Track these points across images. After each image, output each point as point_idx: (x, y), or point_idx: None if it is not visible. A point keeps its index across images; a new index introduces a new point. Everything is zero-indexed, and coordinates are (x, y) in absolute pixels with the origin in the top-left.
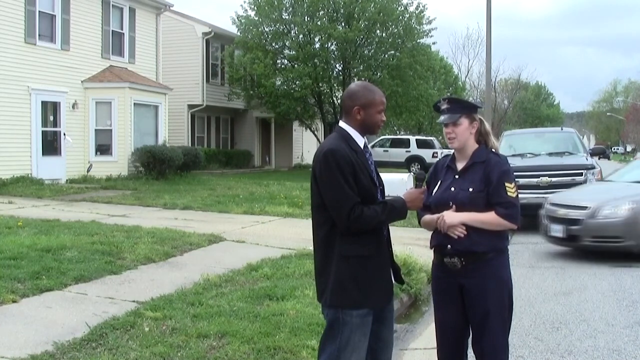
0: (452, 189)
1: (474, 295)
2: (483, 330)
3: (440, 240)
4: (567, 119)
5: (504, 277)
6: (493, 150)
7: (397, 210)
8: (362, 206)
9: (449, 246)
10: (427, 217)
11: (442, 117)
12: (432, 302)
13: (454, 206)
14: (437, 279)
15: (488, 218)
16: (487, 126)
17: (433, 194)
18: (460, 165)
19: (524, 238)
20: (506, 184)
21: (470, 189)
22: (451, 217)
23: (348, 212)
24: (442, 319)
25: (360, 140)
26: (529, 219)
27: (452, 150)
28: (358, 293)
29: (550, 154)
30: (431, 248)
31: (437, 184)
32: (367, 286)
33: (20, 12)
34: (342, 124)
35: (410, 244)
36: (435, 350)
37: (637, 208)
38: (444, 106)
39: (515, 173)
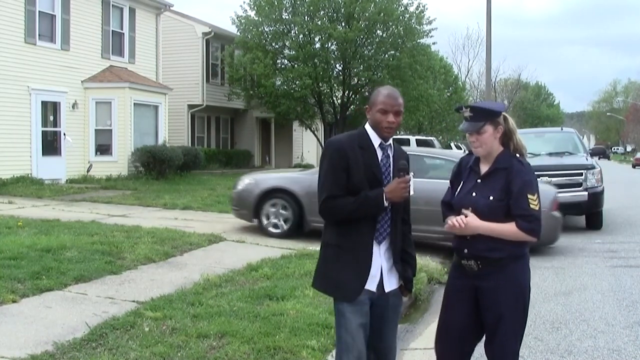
0: (474, 194)
1: (488, 298)
2: (495, 334)
3: (458, 243)
4: (567, 119)
5: (521, 282)
6: (517, 154)
7: (371, 199)
8: (338, 197)
9: (465, 250)
10: (452, 219)
11: (465, 125)
12: (432, 302)
13: (469, 209)
14: (453, 279)
15: (508, 230)
16: (512, 123)
17: (455, 195)
18: (483, 168)
19: None
20: (529, 196)
21: (491, 197)
22: (471, 225)
23: (323, 200)
24: (449, 319)
25: (376, 140)
26: None
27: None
28: (328, 282)
29: (550, 154)
30: (452, 248)
31: (459, 184)
32: (336, 277)
33: (20, 12)
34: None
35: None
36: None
37: (251, 184)
38: (467, 114)
39: None
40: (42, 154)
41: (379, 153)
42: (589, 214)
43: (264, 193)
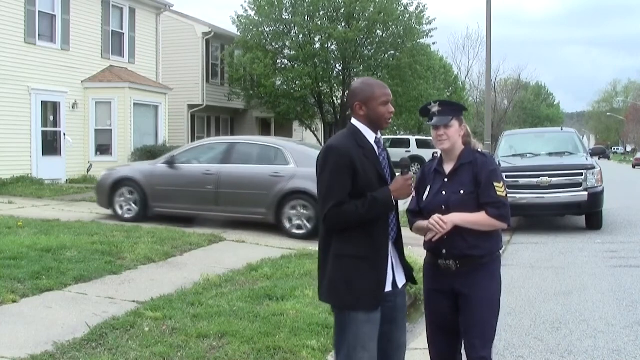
0: (443, 192)
1: (465, 298)
2: (472, 333)
3: (435, 244)
4: (567, 119)
5: (497, 282)
6: (478, 150)
7: (380, 201)
8: (344, 204)
9: (444, 250)
10: (420, 223)
11: (433, 120)
12: None
13: (442, 207)
14: (429, 278)
15: (480, 219)
16: (468, 129)
17: (424, 199)
18: (448, 168)
19: (524, 238)
20: (495, 184)
21: (462, 192)
22: (449, 219)
23: (330, 208)
24: (433, 318)
25: (371, 136)
26: (528, 219)
27: (439, 153)
28: (348, 294)
29: (550, 154)
30: (425, 249)
31: (426, 189)
32: (358, 288)
33: (20, 12)
34: (353, 120)
35: (411, 244)
36: None
37: (106, 175)
38: (435, 109)
39: (515, 173)
40: (42, 154)
41: (376, 149)
42: (588, 214)
43: (115, 183)
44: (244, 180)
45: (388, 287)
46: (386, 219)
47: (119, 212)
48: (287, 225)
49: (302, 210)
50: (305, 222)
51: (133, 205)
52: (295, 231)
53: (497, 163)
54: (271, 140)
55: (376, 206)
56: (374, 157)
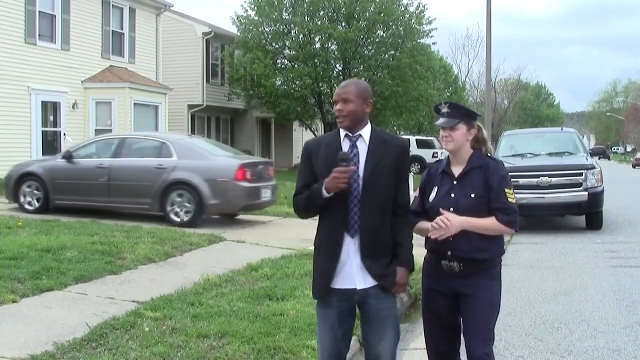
0: (452, 195)
1: (466, 298)
2: (474, 332)
3: (440, 245)
4: (567, 119)
5: (497, 283)
6: (489, 154)
7: (313, 191)
8: (300, 193)
9: (449, 252)
10: (422, 224)
11: (440, 120)
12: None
13: (451, 209)
14: (429, 278)
15: (488, 224)
16: (485, 134)
17: (430, 200)
18: (457, 171)
19: (524, 238)
20: (506, 190)
21: (472, 195)
22: (455, 222)
23: (293, 198)
24: (432, 318)
25: (343, 132)
26: (528, 219)
27: (447, 154)
28: (312, 280)
29: (550, 154)
30: (426, 249)
31: (432, 190)
32: (313, 275)
33: (20, 12)
34: None
35: None
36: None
37: (13, 170)
38: (444, 110)
39: (515, 173)
40: (42, 154)
41: (345, 145)
42: (588, 214)
43: (19, 177)
44: (132, 173)
45: (345, 285)
46: (339, 210)
47: (24, 205)
48: (171, 214)
49: (182, 200)
50: (186, 210)
51: (36, 198)
52: (177, 219)
53: None
54: (157, 135)
55: (311, 195)
56: (334, 151)
